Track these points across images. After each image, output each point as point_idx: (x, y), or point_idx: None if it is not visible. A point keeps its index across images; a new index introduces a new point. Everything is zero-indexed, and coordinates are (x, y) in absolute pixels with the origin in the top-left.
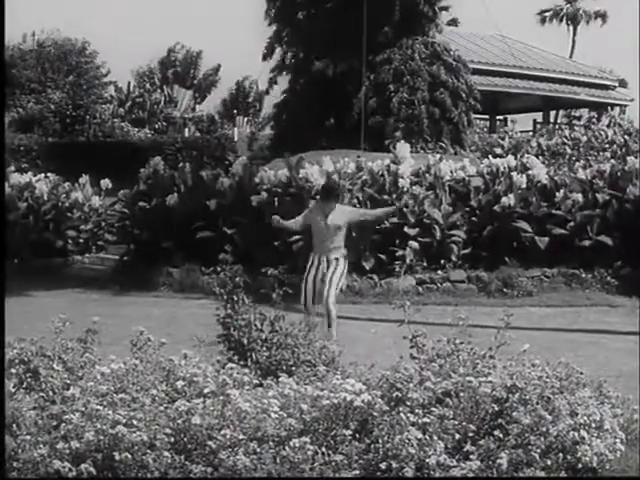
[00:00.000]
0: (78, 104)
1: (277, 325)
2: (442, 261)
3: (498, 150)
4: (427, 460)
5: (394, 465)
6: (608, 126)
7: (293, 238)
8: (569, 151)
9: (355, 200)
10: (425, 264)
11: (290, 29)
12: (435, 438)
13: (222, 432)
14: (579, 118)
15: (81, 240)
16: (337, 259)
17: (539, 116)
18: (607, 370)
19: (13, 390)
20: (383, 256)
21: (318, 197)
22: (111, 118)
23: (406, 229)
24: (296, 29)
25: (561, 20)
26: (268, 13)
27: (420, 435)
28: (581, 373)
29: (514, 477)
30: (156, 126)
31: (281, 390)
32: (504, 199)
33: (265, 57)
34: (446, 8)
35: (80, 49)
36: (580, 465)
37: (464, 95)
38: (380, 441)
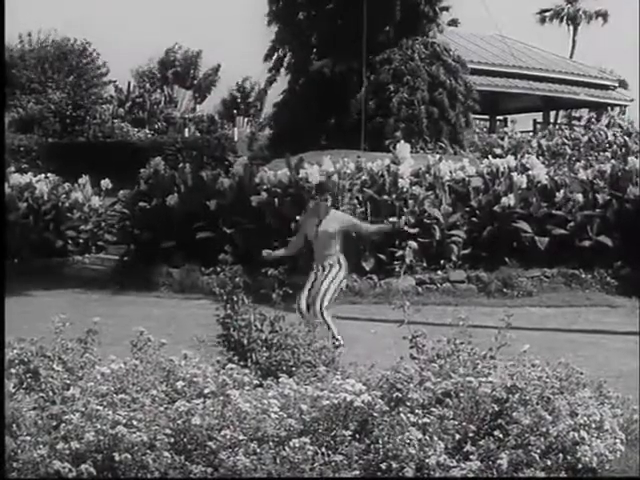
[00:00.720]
0: (78, 104)
1: (277, 325)
2: (442, 261)
3: (498, 150)
4: (427, 460)
5: (394, 465)
6: (608, 126)
7: (293, 238)
8: (569, 151)
9: (355, 200)
10: (425, 264)
11: (291, 29)
12: (435, 438)
13: (222, 432)
14: (579, 118)
15: (81, 240)
16: (331, 265)
17: (539, 116)
18: (607, 370)
19: (13, 390)
20: (383, 256)
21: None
22: (111, 118)
23: (406, 229)
24: (297, 29)
25: (561, 20)
26: (270, 14)
27: (420, 435)
28: (581, 373)
29: (514, 477)
30: (156, 126)
31: (281, 390)
32: (504, 199)
33: (267, 58)
34: (447, 8)
35: (80, 49)
36: (580, 465)
37: (461, 96)
38: (380, 441)
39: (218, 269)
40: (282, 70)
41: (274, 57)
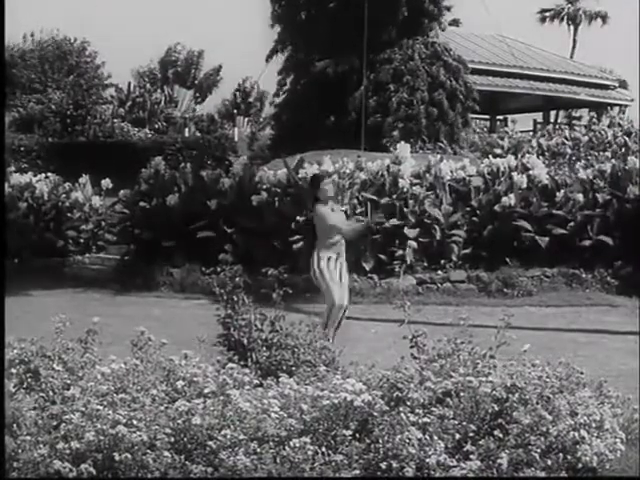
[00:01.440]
0: (79, 104)
1: (277, 325)
2: (442, 261)
3: (498, 150)
4: (427, 460)
5: (394, 465)
6: (609, 126)
7: (293, 238)
8: (569, 151)
9: (355, 200)
10: (425, 264)
11: (292, 29)
12: (435, 438)
13: (222, 432)
14: (579, 118)
15: (81, 240)
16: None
17: (539, 116)
18: (607, 370)
19: (13, 390)
20: (383, 256)
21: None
22: (111, 118)
23: (406, 229)
24: (297, 29)
25: (562, 20)
26: (273, 15)
27: (420, 435)
28: (581, 373)
29: (514, 477)
30: (156, 126)
31: (281, 390)
32: (504, 199)
33: (268, 58)
34: (449, 8)
35: (80, 49)
36: (580, 465)
37: (461, 96)
38: (380, 441)
39: (218, 269)
40: (290, 71)
41: (281, 58)
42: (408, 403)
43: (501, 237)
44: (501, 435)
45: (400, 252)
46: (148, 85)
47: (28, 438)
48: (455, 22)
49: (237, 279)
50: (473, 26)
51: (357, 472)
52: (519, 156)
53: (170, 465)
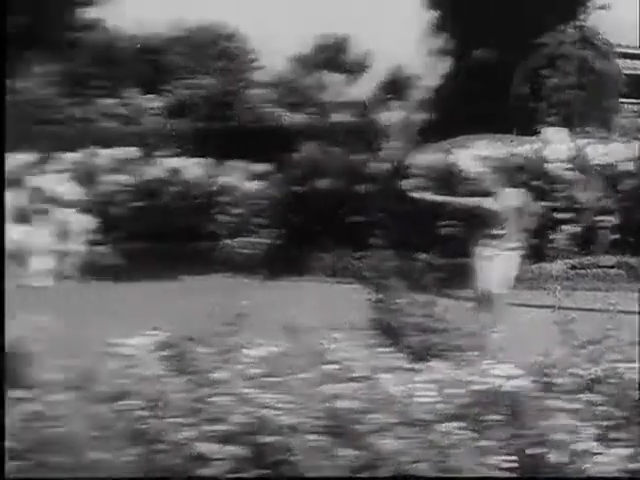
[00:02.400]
0: (228, 89)
1: (428, 310)
2: (591, 246)
3: None
4: (574, 446)
5: (542, 451)
6: None
7: (443, 222)
8: None
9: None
10: (575, 249)
11: (451, 16)
12: (583, 425)
13: (370, 416)
14: None
15: (232, 224)
16: None
17: None
18: None
19: (161, 373)
20: (536, 240)
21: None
22: (262, 103)
23: (558, 214)
24: (456, 15)
25: None
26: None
27: (568, 421)
28: None
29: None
30: (308, 111)
31: (432, 375)
32: None
33: (421, 43)
34: None
35: (229, 34)
36: None
37: (612, 80)
38: (528, 426)
39: (369, 253)
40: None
41: (433, 43)
42: (557, 389)
43: None
44: None
45: (553, 236)
46: (300, 70)
47: (173, 420)
48: (603, 7)
49: (388, 263)
50: (621, 9)
51: (504, 457)
52: None
53: (316, 449)
